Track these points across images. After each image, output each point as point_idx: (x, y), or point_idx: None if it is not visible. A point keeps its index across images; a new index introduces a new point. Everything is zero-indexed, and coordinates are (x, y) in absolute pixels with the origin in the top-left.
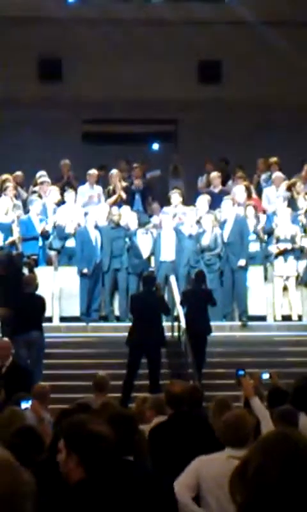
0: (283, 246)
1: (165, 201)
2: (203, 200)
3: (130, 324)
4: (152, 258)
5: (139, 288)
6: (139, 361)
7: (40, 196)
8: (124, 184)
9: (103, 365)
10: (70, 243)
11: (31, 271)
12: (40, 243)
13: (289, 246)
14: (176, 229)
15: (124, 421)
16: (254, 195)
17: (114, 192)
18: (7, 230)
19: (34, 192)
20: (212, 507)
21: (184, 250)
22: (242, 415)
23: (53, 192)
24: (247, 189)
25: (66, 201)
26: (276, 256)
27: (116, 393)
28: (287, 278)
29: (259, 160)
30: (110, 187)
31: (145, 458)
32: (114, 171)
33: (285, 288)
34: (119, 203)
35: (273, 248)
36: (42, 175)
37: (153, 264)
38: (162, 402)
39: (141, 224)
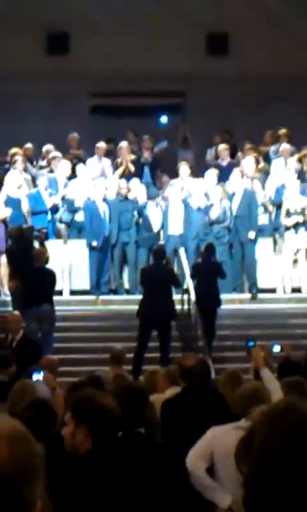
0: (295, 219)
1: (174, 174)
2: (211, 174)
3: (140, 296)
4: (161, 232)
5: (148, 262)
6: (149, 335)
7: (52, 171)
8: (133, 156)
9: (114, 338)
10: (80, 217)
11: (42, 244)
12: (49, 217)
13: (300, 218)
14: (184, 202)
15: (135, 394)
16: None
17: (121, 165)
18: (16, 204)
19: (42, 167)
20: (225, 477)
21: (193, 223)
22: (258, 386)
23: (64, 167)
24: (257, 161)
25: (78, 175)
26: (287, 228)
27: (126, 365)
28: (297, 250)
29: (267, 132)
30: (119, 160)
31: (155, 430)
32: (124, 144)
33: (295, 261)
34: (128, 175)
35: (286, 221)
36: (50, 150)
37: (162, 237)
38: (175, 373)
39: (150, 197)
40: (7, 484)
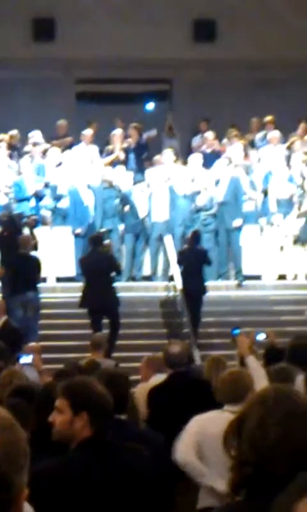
0: (303, 209)
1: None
2: (196, 159)
3: (127, 283)
4: (147, 219)
5: (135, 248)
6: (100, 323)
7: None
8: (125, 144)
9: None
10: (63, 203)
11: (31, 231)
12: (33, 203)
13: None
14: (170, 188)
15: (118, 380)
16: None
17: (112, 152)
18: None
19: (27, 152)
20: (213, 464)
21: (179, 210)
22: (238, 372)
23: (53, 153)
24: (244, 148)
25: (62, 161)
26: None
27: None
28: (284, 237)
29: (253, 119)
30: (110, 147)
31: (137, 417)
32: (117, 132)
33: (281, 248)
34: (115, 163)
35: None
36: (33, 136)
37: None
38: (158, 360)
39: (135, 183)
40: None
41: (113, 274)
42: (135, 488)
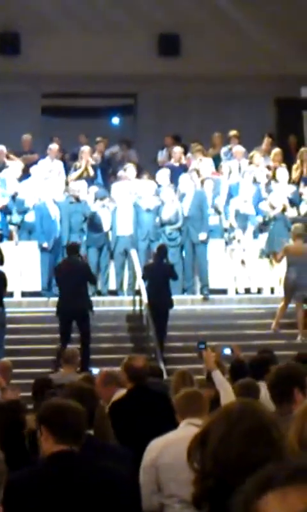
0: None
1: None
2: (163, 174)
3: (93, 297)
4: (110, 233)
5: (99, 262)
6: (70, 330)
7: None
8: (93, 162)
9: None
10: (30, 217)
11: None
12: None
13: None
14: (134, 203)
15: (85, 395)
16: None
17: (80, 167)
18: None
19: None
20: (172, 487)
21: (143, 224)
22: (195, 389)
23: (15, 167)
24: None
25: (31, 174)
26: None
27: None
28: (242, 251)
29: (215, 134)
30: (78, 163)
31: (106, 432)
32: (86, 148)
33: (243, 262)
34: (84, 179)
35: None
36: None
37: (110, 238)
38: (119, 375)
39: (98, 198)
40: None
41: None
42: (99, 502)
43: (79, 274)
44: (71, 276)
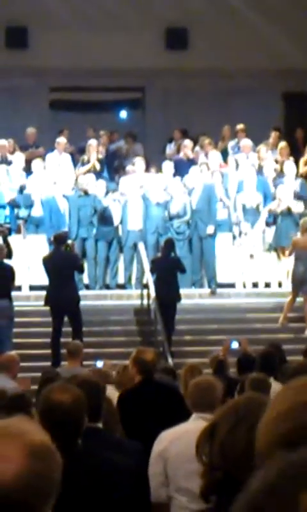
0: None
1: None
2: (169, 167)
3: (99, 292)
4: (120, 227)
5: (108, 256)
6: (61, 320)
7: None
8: (100, 156)
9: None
10: (36, 212)
11: (5, 239)
12: (7, 212)
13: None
14: (143, 197)
15: (90, 388)
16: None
17: (88, 161)
18: None
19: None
20: (180, 479)
21: (152, 218)
22: (210, 379)
23: (19, 159)
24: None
25: (34, 170)
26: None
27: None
28: (252, 246)
29: (224, 127)
30: (85, 157)
31: (114, 425)
32: (92, 142)
33: (251, 256)
34: (92, 173)
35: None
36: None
37: (121, 232)
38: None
39: (108, 191)
40: (22, 499)
41: (74, 272)
42: (103, 496)
43: (67, 265)
44: (59, 266)
